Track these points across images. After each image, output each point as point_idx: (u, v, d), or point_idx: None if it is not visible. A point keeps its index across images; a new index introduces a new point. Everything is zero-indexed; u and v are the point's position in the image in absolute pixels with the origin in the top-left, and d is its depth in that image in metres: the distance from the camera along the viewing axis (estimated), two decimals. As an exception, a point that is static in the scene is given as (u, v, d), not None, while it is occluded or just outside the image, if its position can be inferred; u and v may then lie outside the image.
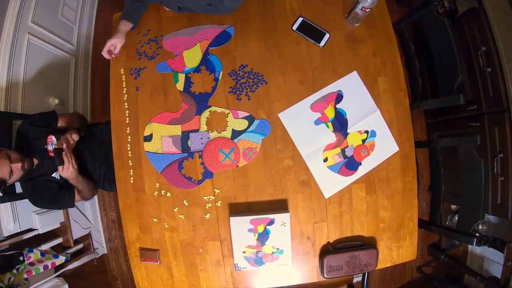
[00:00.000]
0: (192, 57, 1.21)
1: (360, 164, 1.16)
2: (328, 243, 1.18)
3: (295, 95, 1.18)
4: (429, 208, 1.31)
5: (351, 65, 1.20)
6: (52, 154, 1.11)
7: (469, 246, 1.99)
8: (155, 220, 1.18)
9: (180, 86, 1.20)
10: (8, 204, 1.41)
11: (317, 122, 1.15)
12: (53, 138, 1.14)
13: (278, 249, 1.13)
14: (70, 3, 1.89)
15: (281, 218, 1.10)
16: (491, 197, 1.48)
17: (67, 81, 1.93)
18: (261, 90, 1.18)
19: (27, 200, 1.29)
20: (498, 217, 1.61)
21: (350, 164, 1.16)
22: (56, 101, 1.74)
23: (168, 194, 1.17)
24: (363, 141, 1.16)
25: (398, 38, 1.35)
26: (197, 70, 1.20)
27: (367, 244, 1.17)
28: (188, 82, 1.20)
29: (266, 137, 1.16)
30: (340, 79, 1.16)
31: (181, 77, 1.20)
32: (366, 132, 1.16)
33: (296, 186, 1.17)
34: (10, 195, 1.28)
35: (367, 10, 1.11)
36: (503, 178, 1.41)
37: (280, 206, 1.16)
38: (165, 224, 1.18)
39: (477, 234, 1.68)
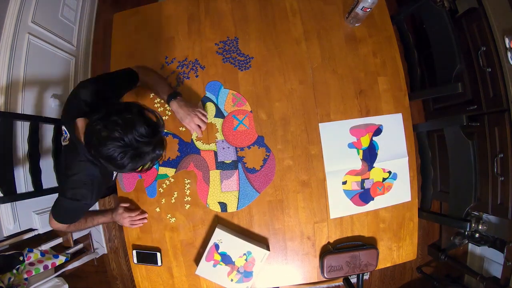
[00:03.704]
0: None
1: (373, 199, 1.18)
2: (328, 243, 1.18)
3: (295, 95, 1.18)
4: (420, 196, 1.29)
5: (351, 65, 1.20)
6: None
7: (469, 246, 1.99)
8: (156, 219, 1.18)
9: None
10: (8, 204, 1.41)
11: (351, 145, 1.17)
12: None
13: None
14: (70, 3, 1.89)
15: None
16: (491, 197, 1.48)
17: (67, 81, 1.93)
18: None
19: (27, 200, 1.29)
20: (498, 217, 1.61)
21: (364, 196, 1.18)
22: (57, 101, 1.74)
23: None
24: (384, 179, 1.18)
25: (397, 30, 1.35)
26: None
27: (367, 244, 1.17)
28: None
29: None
30: (385, 115, 1.19)
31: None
32: (389, 172, 1.18)
33: (296, 186, 1.17)
34: (11, 195, 1.27)
35: (367, 10, 1.11)
36: (503, 178, 1.41)
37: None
38: (165, 224, 1.17)
39: (477, 234, 1.69)
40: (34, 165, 1.31)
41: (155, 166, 1.17)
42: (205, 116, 1.12)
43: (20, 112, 1.50)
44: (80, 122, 0.84)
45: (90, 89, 0.91)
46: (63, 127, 0.92)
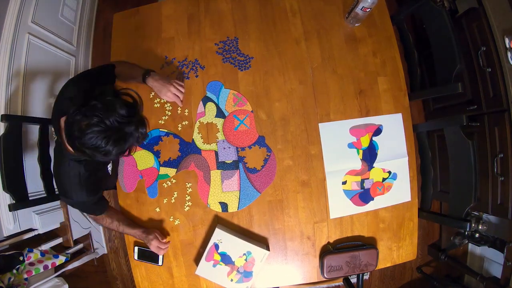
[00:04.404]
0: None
1: (373, 199, 1.18)
2: (328, 243, 1.18)
3: (295, 95, 1.18)
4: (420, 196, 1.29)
5: (351, 65, 1.20)
6: None
7: (469, 246, 1.99)
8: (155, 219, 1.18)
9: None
10: (7, 204, 1.41)
11: (350, 145, 1.17)
12: None
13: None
14: (70, 3, 1.89)
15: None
16: (491, 197, 1.48)
17: (67, 81, 1.93)
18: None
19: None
20: (498, 217, 1.61)
21: (364, 196, 1.18)
22: (56, 101, 1.73)
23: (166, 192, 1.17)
24: (383, 179, 1.18)
25: (397, 30, 1.35)
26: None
27: (367, 244, 1.17)
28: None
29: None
30: (385, 115, 1.19)
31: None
32: (389, 172, 1.18)
33: (296, 186, 1.17)
34: (23, 202, 1.20)
35: (367, 10, 1.11)
36: (503, 178, 1.41)
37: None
38: (165, 224, 1.17)
39: (477, 234, 1.69)
40: (45, 169, 1.28)
41: (155, 166, 1.17)
42: (181, 86, 1.11)
43: (20, 114, 1.49)
44: (63, 121, 0.82)
45: (73, 86, 0.93)
46: (52, 129, 0.92)
